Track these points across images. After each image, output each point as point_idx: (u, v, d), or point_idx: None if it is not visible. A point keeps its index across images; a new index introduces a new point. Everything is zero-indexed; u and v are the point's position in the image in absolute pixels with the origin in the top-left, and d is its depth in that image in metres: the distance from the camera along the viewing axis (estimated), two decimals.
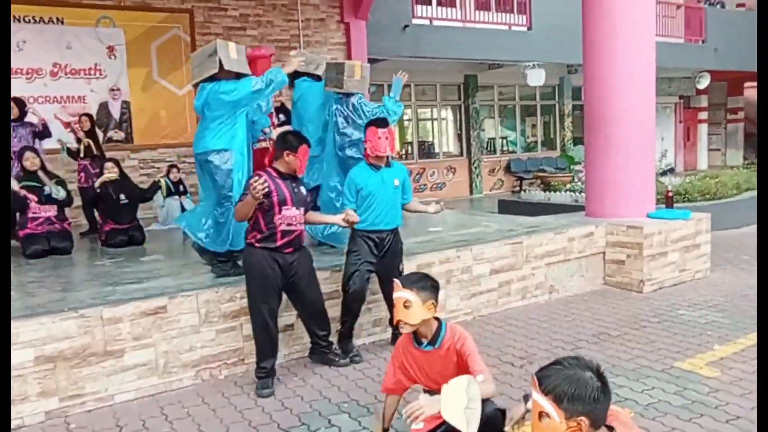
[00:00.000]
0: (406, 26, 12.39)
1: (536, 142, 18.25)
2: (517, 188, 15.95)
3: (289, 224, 3.86)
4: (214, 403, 3.83)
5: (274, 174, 3.89)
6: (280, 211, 3.83)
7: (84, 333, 3.80)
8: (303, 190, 4.04)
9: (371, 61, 11.70)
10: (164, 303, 4.04)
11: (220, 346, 4.25)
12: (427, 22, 13.03)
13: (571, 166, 14.76)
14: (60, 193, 6.28)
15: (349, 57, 11.06)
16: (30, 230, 6.06)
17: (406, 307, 2.79)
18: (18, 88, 8.51)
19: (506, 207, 11.63)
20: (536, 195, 11.92)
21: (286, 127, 5.40)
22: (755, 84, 17.46)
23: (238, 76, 4.42)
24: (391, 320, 4.49)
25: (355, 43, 11.09)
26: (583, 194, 10.12)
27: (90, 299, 4.13)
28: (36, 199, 6.10)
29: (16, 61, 8.52)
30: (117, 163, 6.69)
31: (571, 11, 13.07)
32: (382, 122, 4.40)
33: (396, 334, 4.54)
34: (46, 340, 3.70)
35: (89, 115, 7.74)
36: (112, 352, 3.89)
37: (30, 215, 6.12)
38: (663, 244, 6.14)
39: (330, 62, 5.50)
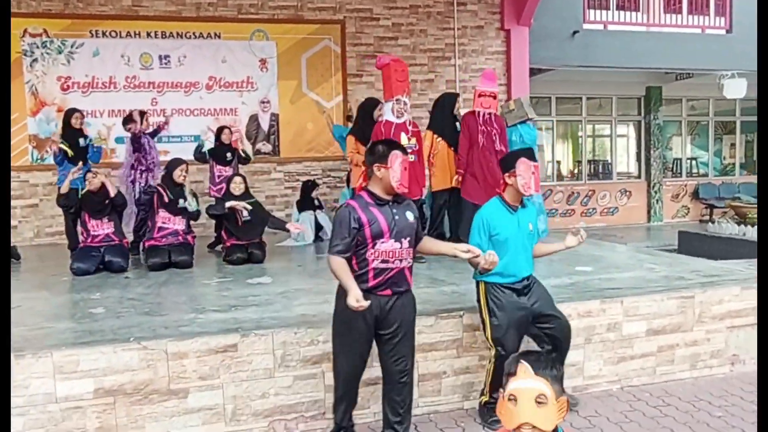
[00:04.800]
0: (575, 32, 11.13)
1: (734, 164, 15.65)
2: (706, 217, 13.72)
3: (384, 261, 3.10)
4: None
5: (368, 200, 3.15)
6: (373, 245, 3.08)
7: (147, 367, 3.44)
8: (409, 215, 3.19)
9: (534, 71, 10.71)
10: (235, 341, 3.55)
11: (297, 395, 3.66)
12: (600, 27, 11.62)
13: None
14: (193, 206, 6.21)
15: (508, 67, 10.16)
16: (154, 242, 6.04)
17: (539, 403, 1.79)
18: (176, 100, 8.90)
19: (688, 240, 9.95)
20: (727, 228, 10.00)
21: None
22: None
23: None
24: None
25: (515, 51, 10.12)
26: None
27: (163, 328, 3.77)
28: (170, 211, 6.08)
29: (177, 75, 8.90)
30: (244, 179, 6.47)
31: None
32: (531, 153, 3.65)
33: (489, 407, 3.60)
34: (107, 372, 3.38)
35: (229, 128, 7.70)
36: (175, 391, 3.47)
37: (159, 225, 6.10)
38: None
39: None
